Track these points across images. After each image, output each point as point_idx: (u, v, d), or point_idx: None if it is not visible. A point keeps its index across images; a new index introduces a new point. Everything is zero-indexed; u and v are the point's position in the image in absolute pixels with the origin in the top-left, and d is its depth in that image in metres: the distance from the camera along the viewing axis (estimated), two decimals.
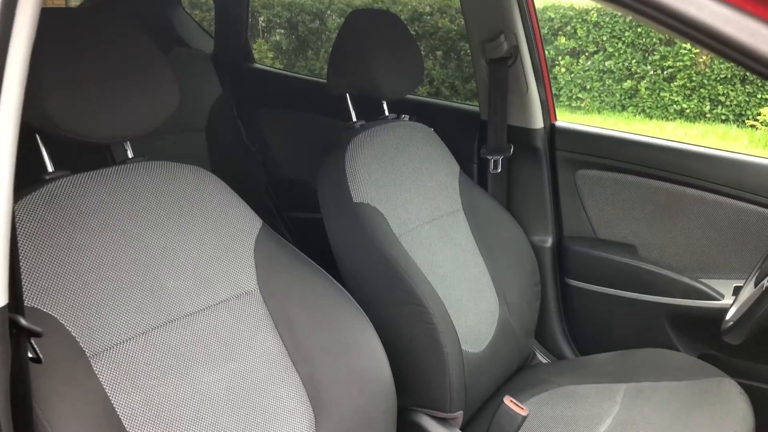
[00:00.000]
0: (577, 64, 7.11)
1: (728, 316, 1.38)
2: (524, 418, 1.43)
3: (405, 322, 1.47)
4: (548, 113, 2.00)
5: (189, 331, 1.05)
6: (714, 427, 1.41)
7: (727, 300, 1.73)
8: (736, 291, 1.56)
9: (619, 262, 1.90)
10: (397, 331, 1.47)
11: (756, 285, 1.32)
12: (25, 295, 0.90)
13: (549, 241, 2.00)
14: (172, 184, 1.14)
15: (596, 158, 1.93)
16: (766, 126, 6.04)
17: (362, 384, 1.21)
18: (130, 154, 1.15)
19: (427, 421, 1.55)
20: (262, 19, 7.50)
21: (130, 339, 0.98)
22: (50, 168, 1.05)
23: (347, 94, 1.67)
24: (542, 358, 1.98)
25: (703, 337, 1.86)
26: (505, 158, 2.00)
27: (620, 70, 6.89)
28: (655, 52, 6.70)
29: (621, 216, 1.92)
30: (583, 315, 2.02)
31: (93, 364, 0.92)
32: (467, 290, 1.68)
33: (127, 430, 0.90)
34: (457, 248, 1.71)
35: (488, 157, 2.00)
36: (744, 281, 1.44)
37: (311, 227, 1.92)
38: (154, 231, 1.07)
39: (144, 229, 1.06)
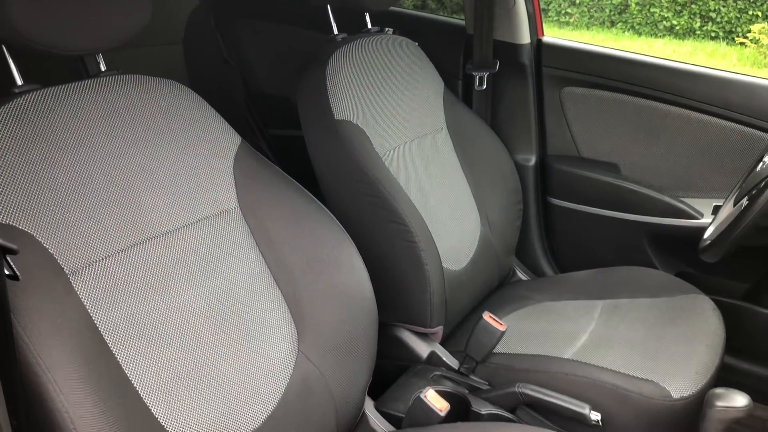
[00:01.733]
0: None
1: (706, 235, 1.40)
2: (502, 333, 1.47)
3: (386, 240, 1.48)
4: (535, 28, 1.96)
5: (169, 249, 1.04)
6: (686, 341, 1.45)
7: (707, 219, 1.75)
8: (716, 210, 1.57)
9: (601, 181, 1.90)
10: (378, 249, 1.47)
11: (735, 204, 1.34)
12: None
13: (532, 160, 1.99)
14: (148, 99, 1.10)
15: (583, 75, 1.90)
16: (755, 43, 5.97)
17: (344, 300, 1.23)
18: (103, 68, 1.12)
19: (407, 336, 1.58)
20: None
21: (109, 256, 0.97)
22: (19, 81, 1.01)
23: (328, 5, 1.61)
24: (522, 276, 2.01)
25: (680, 256, 1.89)
26: (491, 75, 1.96)
27: None
28: None
29: (605, 134, 1.92)
30: (564, 233, 2.04)
31: (72, 281, 0.92)
32: (449, 209, 1.68)
33: (109, 346, 0.91)
34: (440, 167, 1.70)
35: (473, 73, 1.96)
36: (724, 200, 1.46)
37: (293, 145, 1.89)
38: (130, 147, 1.05)
39: (119, 145, 1.04)
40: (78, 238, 0.95)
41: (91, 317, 0.91)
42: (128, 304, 0.96)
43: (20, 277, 0.79)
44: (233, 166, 1.18)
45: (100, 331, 0.91)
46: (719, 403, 1.11)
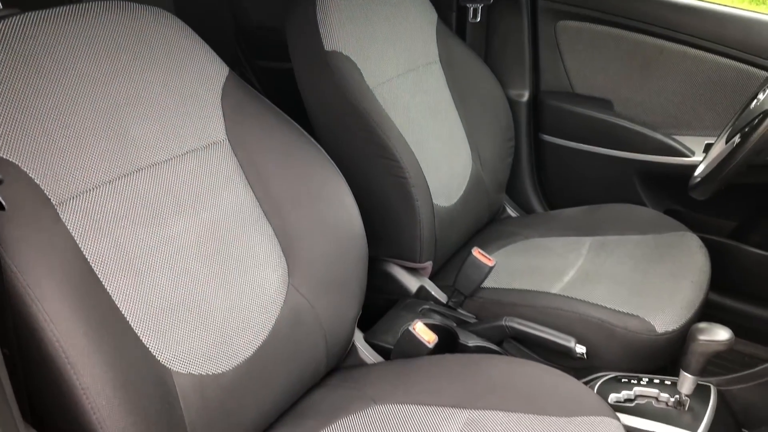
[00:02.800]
0: None
1: (697, 172, 1.40)
2: (491, 268, 1.48)
3: (377, 176, 1.47)
4: None
5: (157, 181, 1.03)
6: (672, 277, 1.47)
7: (698, 157, 1.75)
8: (708, 148, 1.57)
9: (594, 117, 1.89)
10: (369, 184, 1.47)
11: (727, 142, 1.33)
12: None
13: (525, 96, 1.97)
14: (133, 26, 1.07)
15: (578, 8, 1.86)
16: None
17: (334, 235, 1.23)
18: None
19: (397, 271, 1.59)
20: None
21: (96, 187, 0.96)
22: None
23: None
24: (512, 212, 2.01)
25: (670, 194, 1.90)
26: (485, 6, 1.92)
27: None
28: None
29: (599, 70, 1.89)
30: (555, 170, 2.04)
31: (59, 212, 0.91)
32: (441, 144, 1.67)
33: (99, 277, 0.91)
34: (432, 102, 1.68)
35: (467, 5, 1.92)
36: (716, 138, 1.45)
37: (282, 77, 1.86)
38: (115, 75, 1.02)
39: (105, 73, 1.01)
40: (64, 168, 0.94)
41: (79, 248, 0.90)
42: (117, 236, 0.95)
43: (6, 207, 0.78)
44: (221, 97, 1.15)
45: (89, 262, 0.90)
46: (702, 337, 1.13)
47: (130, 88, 1.03)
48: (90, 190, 0.95)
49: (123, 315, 0.91)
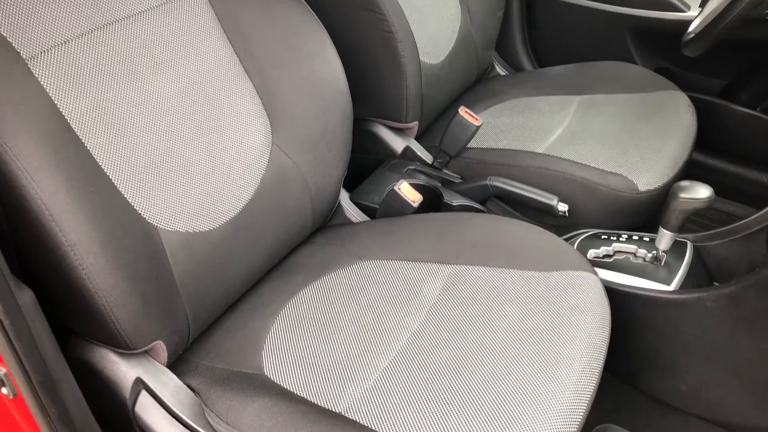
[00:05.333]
0: None
1: (691, 28, 1.36)
2: (477, 127, 1.47)
3: (362, 30, 1.42)
4: None
5: (131, 34, 0.99)
6: (658, 136, 1.47)
7: (693, 12, 1.70)
8: (704, 3, 1.51)
9: None
10: (353, 40, 1.42)
11: None
12: None
13: None
14: None
15: None
16: None
17: (317, 93, 1.20)
18: None
19: (383, 131, 1.58)
20: None
21: (68, 41, 0.92)
22: None
23: None
24: (500, 71, 1.97)
25: (661, 51, 1.86)
26: None
27: None
28: None
29: None
30: (546, 26, 1.98)
31: (31, 67, 0.87)
32: None
33: (78, 134, 0.89)
34: None
35: None
36: None
37: None
38: None
39: None
40: (33, 21, 0.89)
41: (55, 105, 0.88)
42: (93, 92, 0.92)
43: None
44: None
45: (66, 119, 0.88)
46: (682, 195, 1.14)
47: None
48: (62, 44, 0.91)
49: (105, 173, 0.90)
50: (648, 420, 1.38)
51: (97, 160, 0.90)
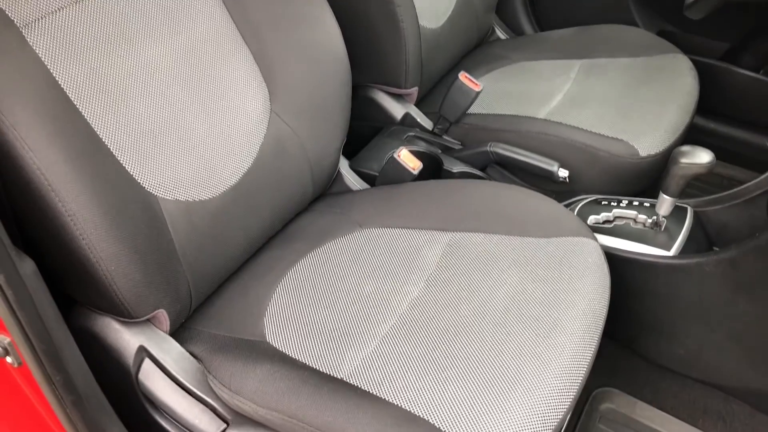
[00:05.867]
0: None
1: None
2: (477, 93, 1.46)
3: None
4: None
5: (127, 1, 0.98)
6: (660, 101, 1.46)
7: None
8: None
9: None
10: (351, 5, 1.40)
11: None
12: None
13: None
14: None
15: None
16: None
17: (315, 59, 1.19)
18: None
19: (382, 97, 1.56)
20: None
21: (62, 8, 0.91)
22: None
23: None
24: (501, 34, 1.95)
25: (664, 14, 1.84)
26: None
27: None
28: None
29: None
30: None
31: (25, 35, 0.86)
32: None
33: (74, 103, 0.88)
34: None
35: None
36: None
37: None
38: None
39: None
40: None
41: (51, 73, 0.87)
42: (89, 59, 0.91)
43: None
44: None
45: (62, 88, 0.87)
46: (683, 160, 1.14)
47: None
48: (56, 11, 0.90)
49: (103, 141, 0.90)
50: (646, 383, 1.40)
51: (95, 129, 0.90)
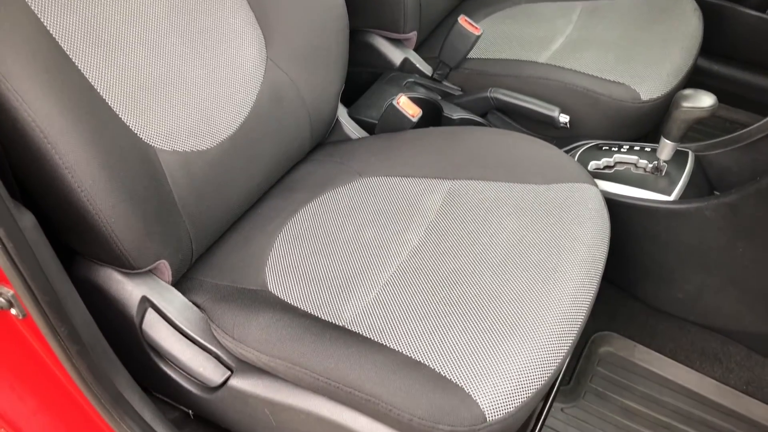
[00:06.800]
0: None
1: None
2: (477, 37, 1.43)
3: None
4: None
5: None
6: (662, 43, 1.43)
7: None
8: None
9: None
10: None
11: None
12: None
13: None
14: None
15: None
16: None
17: (311, 4, 1.16)
18: None
19: (380, 42, 1.54)
20: None
21: None
22: None
23: None
24: None
25: None
26: None
27: None
28: None
29: None
30: None
31: None
32: None
33: (67, 53, 0.87)
34: None
35: None
36: None
37: None
38: None
39: None
40: None
41: (42, 23, 0.85)
42: (81, 9, 0.89)
43: None
44: None
45: (54, 38, 0.86)
46: (685, 104, 1.13)
47: None
48: None
49: (98, 93, 0.89)
50: (645, 327, 1.41)
51: (90, 80, 0.88)
